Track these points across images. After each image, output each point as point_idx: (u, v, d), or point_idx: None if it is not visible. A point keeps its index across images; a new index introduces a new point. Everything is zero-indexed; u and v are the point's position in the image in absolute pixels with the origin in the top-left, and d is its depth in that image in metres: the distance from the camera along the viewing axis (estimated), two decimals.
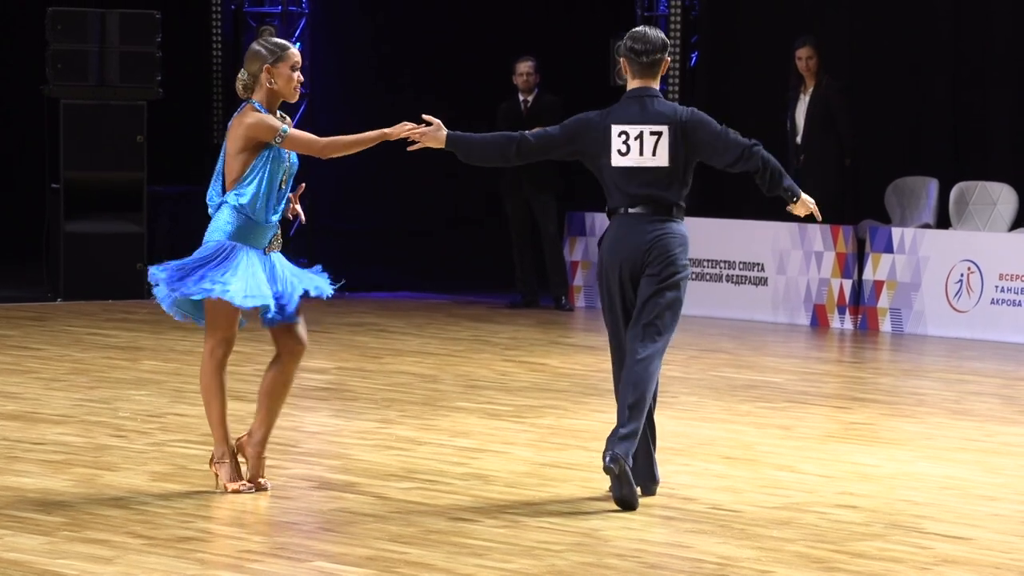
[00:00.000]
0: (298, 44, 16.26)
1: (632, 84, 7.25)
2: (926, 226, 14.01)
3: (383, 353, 12.01)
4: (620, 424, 7.05)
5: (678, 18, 15.35)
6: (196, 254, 7.23)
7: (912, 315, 13.49)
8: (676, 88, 15.22)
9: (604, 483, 7.26)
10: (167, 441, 8.52)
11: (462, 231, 16.53)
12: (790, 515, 7.08)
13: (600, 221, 14.98)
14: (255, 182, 7.26)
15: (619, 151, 7.13)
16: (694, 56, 15.40)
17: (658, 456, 7.41)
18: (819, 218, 7.43)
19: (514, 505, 7.19)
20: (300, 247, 16.35)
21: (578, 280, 15.12)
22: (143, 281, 15.10)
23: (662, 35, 7.27)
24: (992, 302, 13.17)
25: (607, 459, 6.97)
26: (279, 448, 8.42)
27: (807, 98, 14.16)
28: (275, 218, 7.33)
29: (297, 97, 7.34)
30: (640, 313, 7.12)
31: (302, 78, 7.36)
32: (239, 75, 7.30)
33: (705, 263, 14.29)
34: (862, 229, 13.98)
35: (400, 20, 16.78)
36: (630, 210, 7.13)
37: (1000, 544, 6.70)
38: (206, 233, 7.29)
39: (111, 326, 13.22)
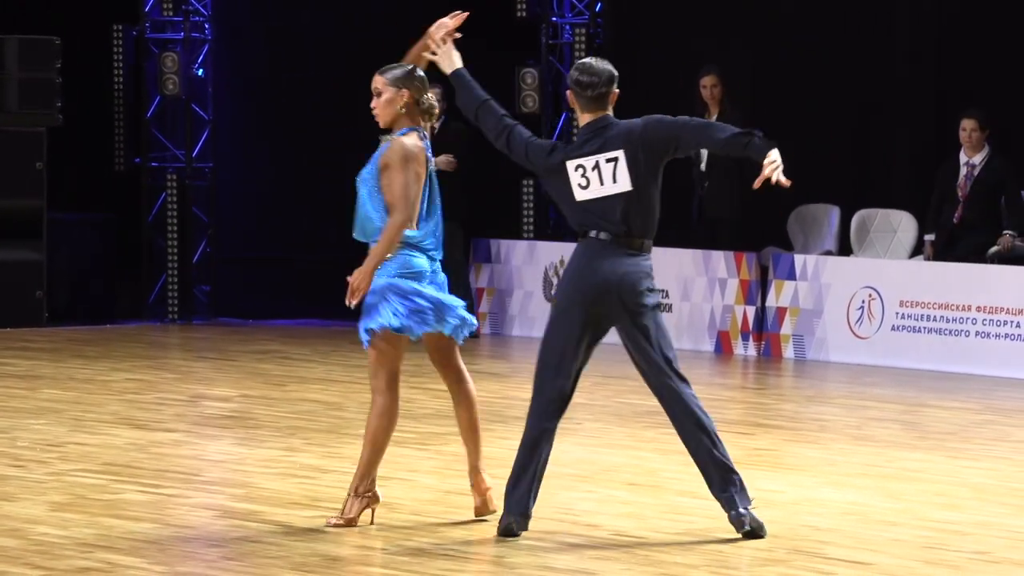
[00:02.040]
0: (200, 71, 16.18)
1: (583, 119, 7.04)
2: (828, 253, 14.13)
3: (287, 381, 11.94)
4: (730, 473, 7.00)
5: (583, 45, 15.42)
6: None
7: (814, 341, 13.59)
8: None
9: None
10: (67, 471, 8.42)
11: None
12: (694, 541, 7.10)
13: (505, 248, 15.00)
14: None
15: (579, 185, 6.96)
16: None
17: (562, 483, 7.40)
18: (784, 182, 7.21)
19: (419, 532, 7.15)
20: (204, 275, 16.27)
21: (483, 307, 15.12)
22: (42, 309, 14.98)
23: (610, 67, 7.05)
24: (893, 328, 13.29)
25: (741, 519, 6.96)
26: (181, 477, 8.35)
27: None
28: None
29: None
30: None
31: (373, 104, 7.27)
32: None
33: None
34: (765, 256, 14.07)
35: (304, 47, 16.72)
36: (601, 236, 6.95)
37: (900, 569, 6.75)
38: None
39: (10, 354, 13.06)
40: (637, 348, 7.06)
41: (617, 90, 7.10)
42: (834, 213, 14.44)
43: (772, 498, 8.08)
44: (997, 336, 12.85)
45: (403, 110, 7.18)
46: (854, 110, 14.67)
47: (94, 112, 15.90)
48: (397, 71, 7.27)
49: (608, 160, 6.94)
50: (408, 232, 7.14)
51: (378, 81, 7.25)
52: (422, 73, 7.26)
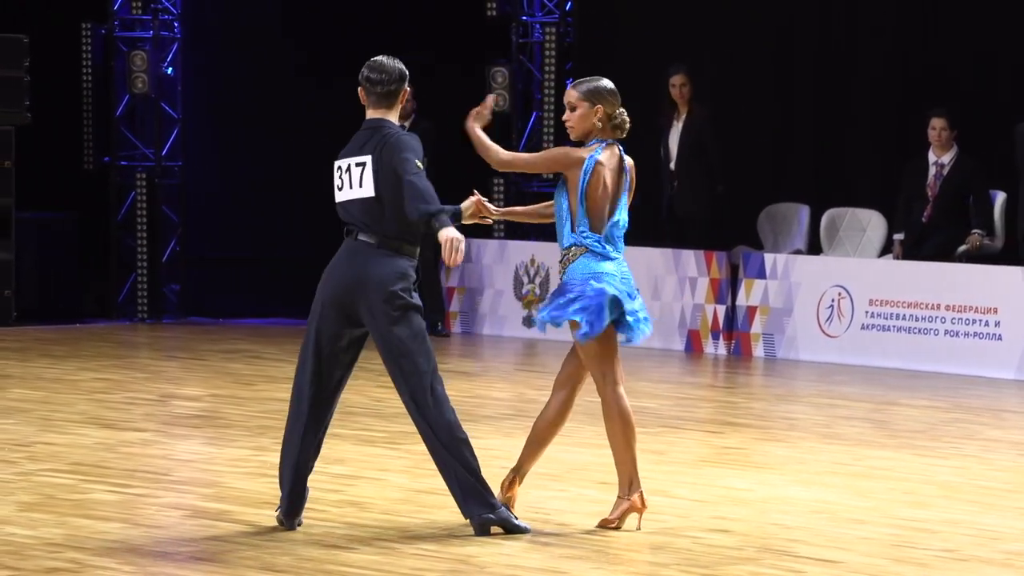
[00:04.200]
0: (170, 69, 16.14)
1: (369, 114, 7.11)
2: (798, 252, 14.16)
3: (257, 380, 11.92)
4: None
5: (553, 45, 15.43)
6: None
7: (784, 340, 13.62)
8: (552, 114, 15.29)
9: None
10: (35, 470, 8.39)
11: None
12: (664, 540, 7.11)
13: (476, 247, 15.00)
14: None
15: (337, 186, 7.06)
16: (568, 83, 15.49)
17: (533, 481, 7.41)
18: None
19: (389, 532, 7.15)
20: (174, 274, 16.23)
21: (454, 306, 15.12)
22: (10, 308, 14.92)
23: (401, 65, 7.12)
24: (863, 327, 13.33)
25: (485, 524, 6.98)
26: (150, 476, 8.33)
27: (680, 125, 14.29)
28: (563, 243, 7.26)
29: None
30: None
31: (566, 117, 7.27)
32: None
33: None
34: (735, 255, 14.10)
35: (274, 46, 16.70)
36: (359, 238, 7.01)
37: (869, 567, 6.77)
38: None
39: None
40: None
41: (407, 89, 7.19)
42: (804, 212, 14.48)
43: (742, 496, 8.10)
44: (966, 335, 12.89)
45: (598, 124, 7.17)
46: (823, 109, 14.71)
47: (63, 110, 15.85)
48: (591, 85, 7.27)
49: (358, 164, 7.01)
50: (592, 236, 7.12)
51: (571, 95, 7.26)
52: (613, 87, 7.27)
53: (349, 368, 7.21)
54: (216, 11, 16.65)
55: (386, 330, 6.98)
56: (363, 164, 7.00)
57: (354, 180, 7.01)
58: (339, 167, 7.06)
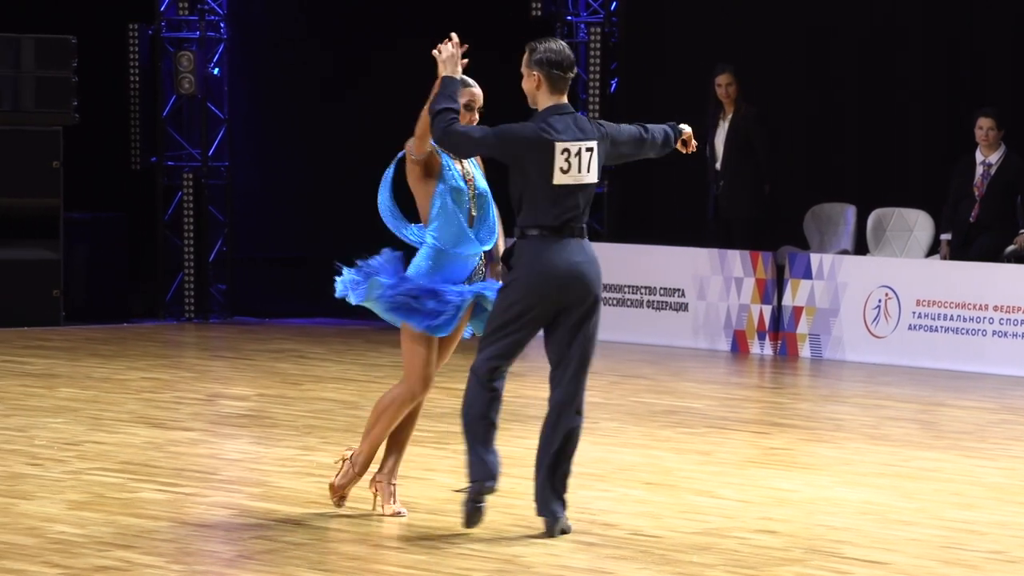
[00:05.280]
0: (216, 70, 16.20)
1: (554, 100, 7.10)
2: (844, 252, 14.12)
3: (304, 380, 11.96)
4: None
5: (597, 45, 15.42)
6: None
7: (831, 341, 13.58)
8: (596, 114, 15.28)
9: (525, 509, 7.26)
10: (84, 469, 8.44)
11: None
12: (710, 540, 7.10)
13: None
14: (440, 216, 7.26)
15: (561, 169, 7.06)
16: (614, 83, 15.48)
17: (578, 482, 7.41)
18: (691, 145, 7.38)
19: (435, 532, 7.16)
20: (220, 274, 16.29)
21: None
22: (59, 308, 15.01)
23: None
24: (909, 328, 13.28)
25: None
26: (198, 476, 8.36)
27: (726, 125, 14.26)
28: (471, 249, 7.29)
29: None
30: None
31: (475, 117, 7.27)
32: None
33: (625, 289, 14.33)
34: (781, 255, 14.07)
35: (319, 47, 16.74)
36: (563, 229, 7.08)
37: (917, 569, 6.74)
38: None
39: (27, 353, 13.09)
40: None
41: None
42: (850, 212, 14.43)
43: (788, 497, 8.08)
44: (1014, 335, 12.83)
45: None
46: (869, 108, 14.66)
47: (110, 111, 15.94)
48: None
49: (587, 149, 7.07)
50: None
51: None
52: None
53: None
54: (262, 11, 16.71)
55: (594, 324, 7.06)
56: (592, 150, 7.07)
57: (583, 165, 7.05)
58: (566, 149, 7.03)
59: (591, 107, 15.34)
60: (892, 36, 14.62)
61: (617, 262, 14.01)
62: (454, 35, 7.20)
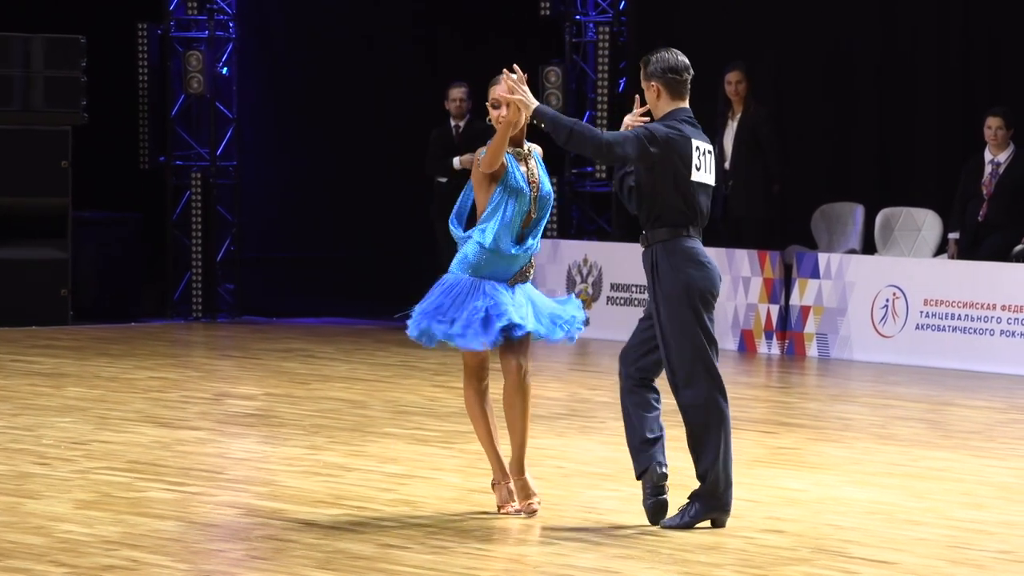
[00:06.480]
0: (225, 69, 16.21)
1: (680, 104, 7.27)
2: (852, 252, 14.11)
3: (311, 379, 11.97)
4: None
5: (606, 44, 15.41)
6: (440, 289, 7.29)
7: (838, 340, 13.57)
8: (604, 114, 15.28)
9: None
10: (91, 468, 8.44)
11: (390, 257, 16.52)
12: (717, 540, 7.10)
13: None
14: (494, 216, 7.32)
15: (696, 166, 7.24)
16: (622, 82, 15.47)
17: (586, 481, 7.40)
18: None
19: (442, 531, 7.17)
20: (228, 273, 16.30)
21: None
22: (67, 307, 15.03)
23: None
24: (917, 327, 13.27)
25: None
26: (205, 475, 8.37)
27: (735, 123, 14.25)
28: (517, 250, 7.33)
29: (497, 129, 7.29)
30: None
31: (503, 113, 7.28)
32: None
33: (634, 288, 14.32)
34: (789, 255, 14.06)
35: (328, 47, 16.76)
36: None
37: (925, 569, 6.73)
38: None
39: (35, 352, 13.11)
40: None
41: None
42: (858, 211, 14.42)
43: (796, 497, 8.08)
44: (1022, 335, 12.81)
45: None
46: (878, 108, 14.65)
47: (119, 111, 15.96)
48: None
49: (708, 152, 7.28)
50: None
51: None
52: None
53: None
54: (271, 11, 16.72)
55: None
56: (712, 152, 7.29)
57: (707, 166, 7.26)
58: (699, 148, 7.22)
59: (599, 106, 15.34)
60: (902, 36, 14.60)
61: (625, 261, 14.01)
62: (516, 67, 7.21)
